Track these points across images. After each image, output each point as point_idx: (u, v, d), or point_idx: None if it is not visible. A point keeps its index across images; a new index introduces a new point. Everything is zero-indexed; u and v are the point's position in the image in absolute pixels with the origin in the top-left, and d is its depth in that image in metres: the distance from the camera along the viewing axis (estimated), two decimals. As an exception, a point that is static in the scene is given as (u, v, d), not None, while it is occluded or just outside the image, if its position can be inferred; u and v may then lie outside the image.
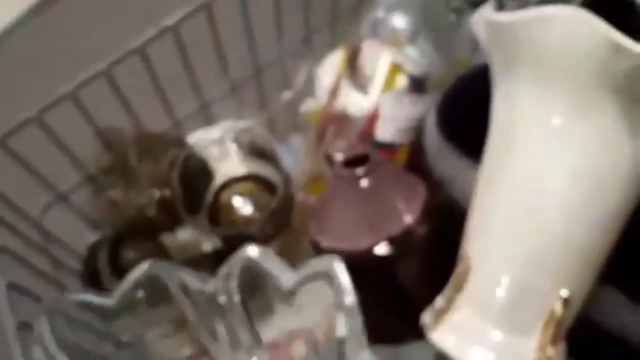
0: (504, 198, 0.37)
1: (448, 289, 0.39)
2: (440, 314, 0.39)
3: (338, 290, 0.33)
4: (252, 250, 0.37)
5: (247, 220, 0.54)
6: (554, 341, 0.36)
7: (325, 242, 0.46)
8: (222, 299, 0.38)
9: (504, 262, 0.37)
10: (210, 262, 0.52)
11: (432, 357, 0.43)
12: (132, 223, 0.55)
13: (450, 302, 0.38)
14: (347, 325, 0.32)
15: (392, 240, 0.43)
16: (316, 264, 0.35)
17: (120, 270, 0.55)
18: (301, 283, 0.36)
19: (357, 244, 0.44)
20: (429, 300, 0.41)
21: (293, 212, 0.54)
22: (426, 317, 0.40)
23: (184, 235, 0.55)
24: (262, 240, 0.52)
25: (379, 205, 0.44)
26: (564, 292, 0.36)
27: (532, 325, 0.36)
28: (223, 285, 0.38)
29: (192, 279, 0.38)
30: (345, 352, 0.32)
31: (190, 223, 0.54)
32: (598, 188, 0.35)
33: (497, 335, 0.37)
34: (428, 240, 0.45)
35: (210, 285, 0.38)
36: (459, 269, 0.39)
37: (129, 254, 0.56)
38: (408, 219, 0.44)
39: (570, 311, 0.37)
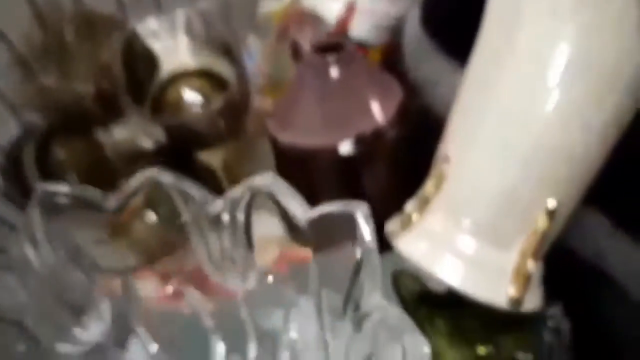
0: (497, 96, 0.33)
1: (421, 192, 0.35)
2: (410, 220, 0.34)
3: (360, 239, 0.31)
4: (267, 178, 0.34)
5: (195, 117, 0.49)
6: (535, 256, 0.32)
7: (284, 138, 0.40)
8: (224, 218, 0.35)
9: (489, 166, 0.33)
10: (149, 160, 0.47)
11: (390, 274, 0.39)
12: (65, 114, 0.50)
13: (423, 205, 0.34)
14: (364, 266, 0.31)
15: (359, 140, 0.39)
16: (336, 206, 0.32)
17: (47, 169, 0.50)
18: (315, 222, 0.33)
19: (320, 141, 0.39)
20: (394, 210, 0.37)
21: (248, 115, 0.49)
22: (392, 225, 0.36)
23: (120, 133, 0.50)
24: (210, 138, 0.47)
25: (350, 101, 0.39)
26: (551, 203, 0.32)
27: (512, 237, 0.33)
28: (230, 207, 0.35)
29: (199, 194, 0.36)
30: (358, 291, 0.32)
31: (131, 116, 0.48)
32: (598, 88, 0.31)
33: (472, 245, 0.33)
34: (399, 145, 0.40)
35: (218, 205, 0.35)
36: (435, 170, 0.35)
37: (59, 151, 0.51)
38: (380, 118, 0.39)
39: (556, 225, 0.33)
